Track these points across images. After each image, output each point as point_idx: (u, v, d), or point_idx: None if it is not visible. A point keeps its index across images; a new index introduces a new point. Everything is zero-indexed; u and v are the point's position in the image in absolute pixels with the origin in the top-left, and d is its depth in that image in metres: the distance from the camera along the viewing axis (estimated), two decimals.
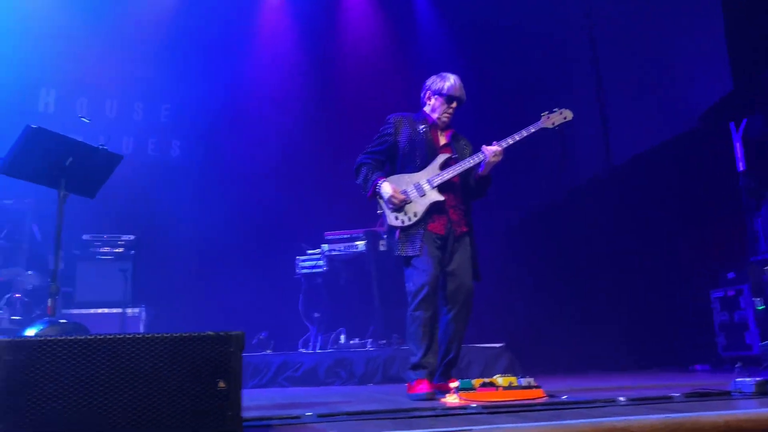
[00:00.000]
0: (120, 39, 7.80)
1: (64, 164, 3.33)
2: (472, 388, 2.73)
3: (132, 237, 6.31)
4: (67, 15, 7.71)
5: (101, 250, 6.29)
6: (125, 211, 6.71)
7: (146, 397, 1.56)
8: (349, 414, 2.05)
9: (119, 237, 6.30)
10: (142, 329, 5.91)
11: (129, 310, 5.95)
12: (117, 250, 6.28)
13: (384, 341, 5.70)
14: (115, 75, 7.79)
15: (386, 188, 3.27)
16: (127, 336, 1.57)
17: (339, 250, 6.11)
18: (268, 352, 5.80)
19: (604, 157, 7.68)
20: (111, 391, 1.54)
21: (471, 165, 3.31)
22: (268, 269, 6.83)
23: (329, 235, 6.19)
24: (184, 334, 1.61)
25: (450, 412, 2.16)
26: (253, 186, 7.40)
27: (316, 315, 6.11)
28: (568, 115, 3.42)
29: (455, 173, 3.30)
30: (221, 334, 1.65)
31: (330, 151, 7.48)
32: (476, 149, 3.38)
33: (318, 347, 5.80)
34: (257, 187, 7.38)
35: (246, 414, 1.69)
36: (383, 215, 3.34)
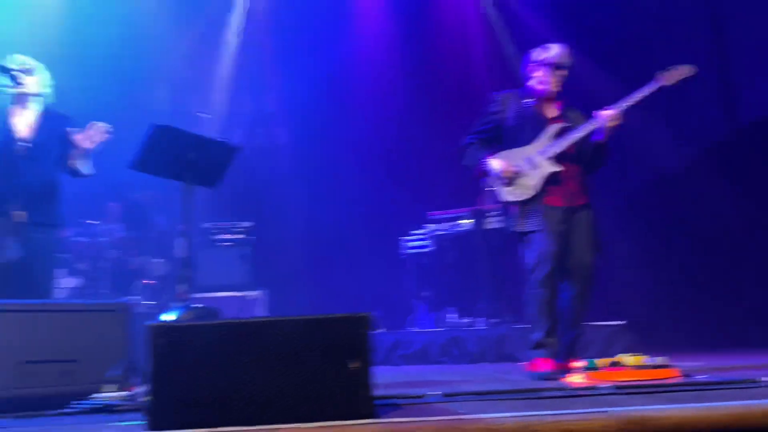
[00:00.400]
0: (224, 34, 8.17)
1: (187, 158, 3.52)
2: (598, 368, 2.64)
3: (249, 223, 6.63)
4: (174, 16, 8.16)
5: (221, 237, 6.65)
6: (241, 199, 7.04)
7: (285, 378, 1.63)
8: (476, 393, 2.04)
9: (237, 224, 6.64)
10: (262, 312, 6.21)
11: (250, 294, 6.26)
12: (236, 236, 6.62)
13: (496, 320, 5.64)
14: (224, 70, 8.16)
15: (496, 164, 3.22)
16: (268, 319, 1.64)
17: (445, 230, 6.11)
18: (382, 330, 5.91)
19: (726, 122, 7.10)
20: (254, 372, 1.62)
21: (586, 132, 3.18)
22: (376, 250, 6.95)
23: (434, 215, 6.19)
24: (317, 316, 1.66)
25: (581, 393, 2.10)
26: (359, 168, 7.52)
27: (425, 294, 6.15)
28: (688, 71, 3.20)
29: (570, 142, 3.18)
30: (351, 315, 1.68)
31: (432, 132, 7.43)
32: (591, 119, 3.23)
33: (428, 326, 5.85)
34: (362, 169, 7.49)
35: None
36: (489, 193, 3.30)
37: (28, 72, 3.66)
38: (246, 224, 6.81)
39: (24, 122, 3.68)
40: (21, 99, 3.67)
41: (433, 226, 6.12)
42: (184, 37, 8.05)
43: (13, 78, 3.52)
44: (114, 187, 7.08)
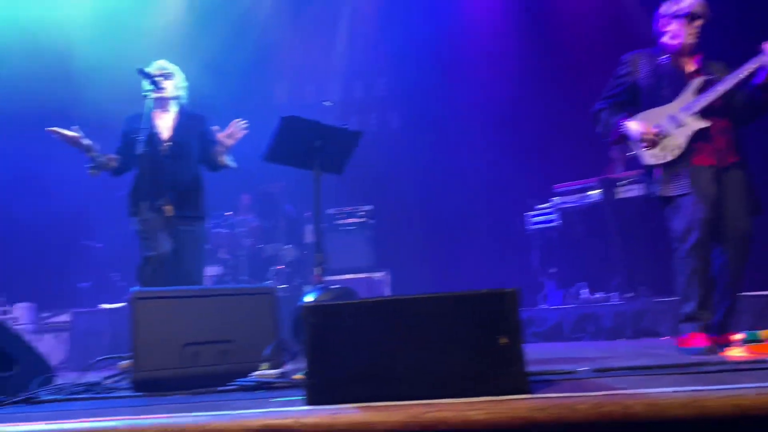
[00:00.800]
0: (334, 24, 8.34)
1: (314, 146, 3.65)
2: (761, 340, 2.42)
3: (370, 207, 6.79)
4: (286, 9, 8.45)
5: (345, 221, 6.87)
6: (360, 184, 7.19)
7: (435, 354, 1.64)
8: (630, 369, 1.95)
9: (359, 208, 6.82)
10: (388, 292, 6.35)
11: (376, 275, 6.42)
12: (358, 221, 6.81)
13: (631, 294, 5.36)
14: (335, 59, 8.34)
15: (635, 126, 3.03)
16: (417, 296, 1.66)
17: (571, 202, 5.88)
18: None
19: None
20: (404, 348, 1.65)
21: (742, 77, 2.89)
22: (500, 227, 6.85)
23: (559, 188, 5.97)
24: (464, 292, 1.65)
25: (745, 367, 1.94)
26: (476, 144, 7.41)
27: (553, 270, 5.98)
28: None
29: (718, 95, 2.91)
30: (496, 291, 1.66)
31: (552, 101, 7.14)
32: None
33: (559, 303, 5.69)
34: (480, 144, 7.37)
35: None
36: (619, 160, 3.11)
37: (167, 76, 3.95)
38: (367, 208, 6.97)
39: (165, 123, 3.98)
40: (161, 102, 3.97)
41: (558, 199, 5.91)
42: (298, 28, 8.32)
43: (155, 83, 3.79)
44: (245, 179, 7.51)
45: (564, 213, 5.88)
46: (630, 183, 5.39)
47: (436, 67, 7.81)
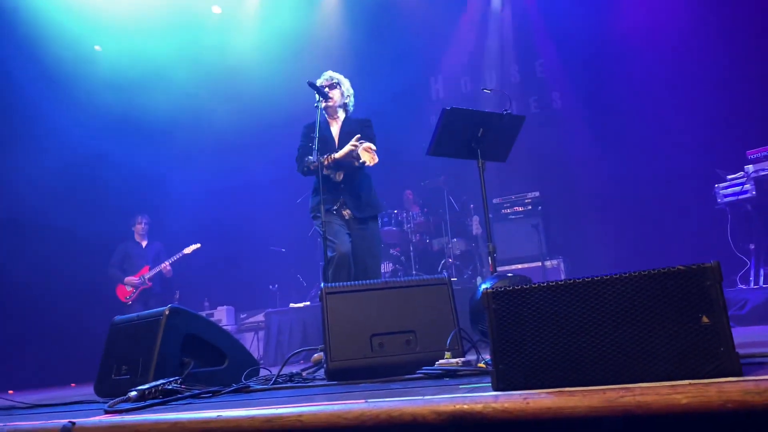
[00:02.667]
0: (479, 14, 8.24)
1: (477, 135, 3.65)
2: None
3: (537, 193, 6.60)
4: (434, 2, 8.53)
5: (511, 210, 6.75)
6: (525, 171, 7.04)
7: (627, 337, 1.56)
8: None
9: (525, 195, 6.67)
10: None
11: (548, 263, 6.23)
12: (525, 209, 6.66)
13: None
14: (488, 48, 8.25)
15: None
16: (603, 277, 1.59)
17: None
18: None
19: None
20: (595, 330, 1.59)
21: None
22: (686, 201, 6.29)
23: (753, 154, 5.34)
24: (658, 270, 1.55)
25: None
26: (649, 116, 6.89)
27: (752, 246, 5.37)
28: None
29: None
30: (694, 267, 1.54)
31: (734, 61, 6.42)
32: None
33: (761, 281, 5.09)
34: (654, 116, 6.85)
35: None
36: None
37: (332, 86, 4.18)
38: (533, 194, 6.79)
39: (335, 131, 4.22)
40: (330, 110, 4.21)
41: (752, 167, 5.29)
42: (448, 20, 8.36)
43: (323, 93, 4.04)
44: (406, 175, 7.73)
45: (759, 182, 5.25)
46: None
47: (596, 39, 7.41)
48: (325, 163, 3.92)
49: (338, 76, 4.24)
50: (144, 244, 7.35)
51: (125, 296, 7.05)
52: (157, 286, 7.16)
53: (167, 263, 7.11)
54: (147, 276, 7.07)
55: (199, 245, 7.23)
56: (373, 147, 3.82)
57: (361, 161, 3.79)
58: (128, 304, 6.97)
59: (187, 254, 7.19)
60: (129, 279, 7.03)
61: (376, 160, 3.79)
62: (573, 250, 6.70)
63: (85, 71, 7.62)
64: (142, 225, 7.34)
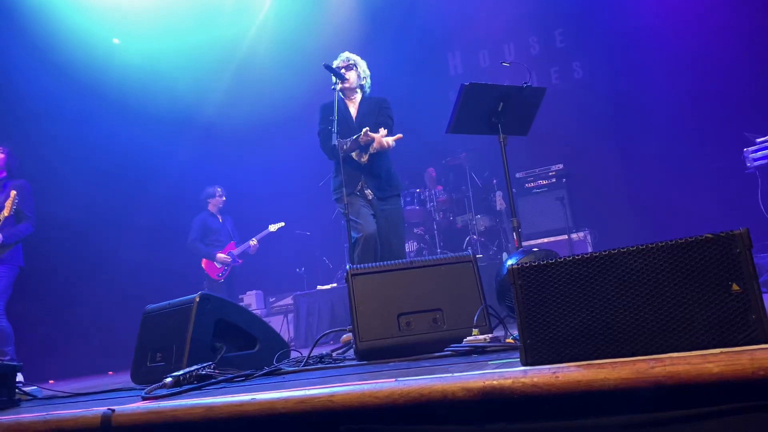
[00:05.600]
0: None
1: (497, 110, 3.61)
2: None
3: (560, 166, 6.52)
4: None
5: (535, 183, 6.68)
6: (548, 143, 6.95)
7: (656, 308, 1.55)
8: None
9: (549, 168, 6.60)
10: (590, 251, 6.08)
11: (574, 236, 6.18)
12: (549, 182, 6.58)
13: None
14: (505, 20, 8.11)
15: None
16: (630, 248, 1.58)
17: None
18: None
19: None
20: (623, 303, 1.58)
21: None
22: (713, 168, 6.16)
23: None
24: (685, 239, 1.53)
25: None
26: (674, 81, 6.72)
27: None
28: None
29: None
30: (722, 235, 1.51)
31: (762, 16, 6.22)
32: None
33: None
34: (679, 80, 6.68)
35: None
36: None
37: (348, 68, 4.17)
38: (557, 167, 6.72)
39: (353, 111, 4.21)
40: (347, 92, 4.21)
41: None
42: None
43: (339, 75, 4.03)
44: (427, 153, 7.69)
45: None
46: None
47: (616, 4, 7.22)
48: (344, 148, 3.94)
49: (355, 57, 4.23)
50: (220, 218, 7.10)
51: (216, 273, 6.84)
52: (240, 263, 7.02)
53: (255, 240, 6.91)
54: (236, 253, 6.90)
55: (283, 223, 7.02)
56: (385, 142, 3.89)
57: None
58: (219, 281, 6.81)
59: (272, 232, 6.99)
60: (220, 256, 6.80)
61: (392, 143, 3.90)
62: (599, 221, 6.63)
63: (104, 64, 7.69)
64: (223, 198, 7.04)
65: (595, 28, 7.48)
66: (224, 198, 7.02)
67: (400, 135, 3.93)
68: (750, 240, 1.51)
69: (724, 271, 1.51)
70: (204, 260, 6.87)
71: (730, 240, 1.51)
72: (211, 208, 7.03)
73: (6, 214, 4.74)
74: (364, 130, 3.86)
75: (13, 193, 4.74)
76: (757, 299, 1.49)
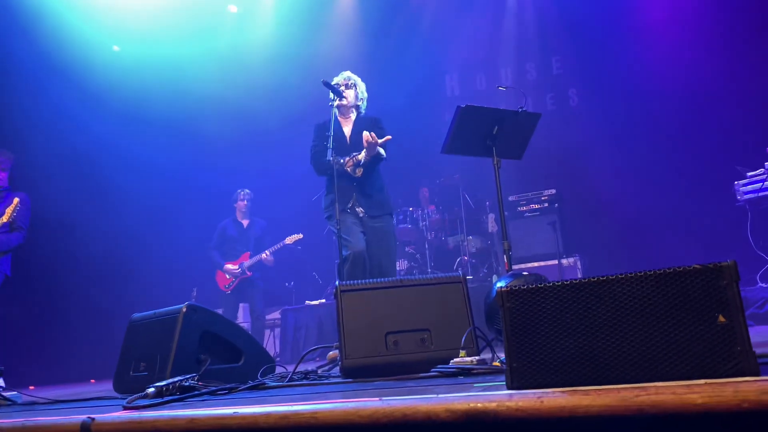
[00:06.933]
0: (495, 12, 8.20)
1: (492, 133, 3.64)
2: None
3: (553, 191, 6.56)
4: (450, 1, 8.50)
5: (527, 207, 6.71)
6: (541, 168, 7.00)
7: (643, 337, 1.55)
8: None
9: (541, 193, 6.63)
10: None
11: (565, 261, 6.19)
12: (541, 206, 6.61)
13: None
14: (503, 45, 8.20)
15: None
16: (619, 276, 1.58)
17: None
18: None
19: None
20: (610, 330, 1.58)
21: None
22: (706, 199, 6.22)
23: None
24: (674, 269, 1.54)
25: None
26: (668, 113, 6.81)
27: None
28: None
29: None
30: (710, 266, 1.52)
31: (754, 58, 6.32)
32: None
33: None
34: (673, 113, 6.76)
35: None
36: None
37: (348, 86, 4.20)
38: (550, 192, 6.75)
39: (348, 130, 4.23)
40: (343, 110, 4.23)
41: None
42: (464, 18, 8.33)
43: (337, 92, 4.06)
44: (423, 173, 7.72)
45: None
46: None
47: (613, 35, 7.34)
48: (349, 165, 3.96)
49: (356, 78, 4.27)
50: (245, 223, 6.83)
51: (224, 284, 6.58)
52: (258, 275, 6.71)
53: (268, 252, 6.60)
54: (247, 265, 6.58)
55: (301, 235, 6.72)
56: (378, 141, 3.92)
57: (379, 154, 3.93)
58: (227, 293, 6.56)
59: (288, 244, 6.69)
60: (228, 267, 6.55)
61: (383, 152, 3.97)
62: (590, 247, 6.65)
63: (104, 71, 7.70)
64: (245, 202, 6.79)
65: (591, 57, 7.58)
66: (246, 202, 6.80)
67: (389, 137, 3.94)
68: (737, 272, 1.52)
69: (711, 303, 1.52)
70: (217, 270, 6.70)
71: (718, 271, 1.52)
72: (237, 213, 6.87)
73: (4, 221, 4.72)
74: (366, 134, 3.86)
75: (16, 200, 4.74)
76: (743, 331, 1.49)
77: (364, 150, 3.90)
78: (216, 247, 6.72)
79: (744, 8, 6.58)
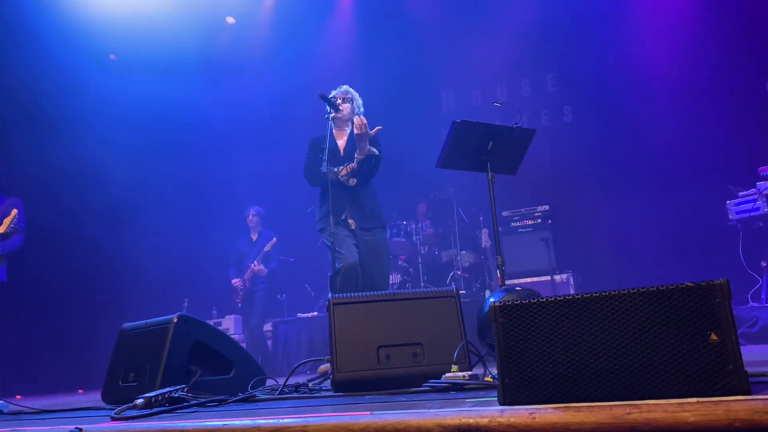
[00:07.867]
0: (491, 29, 8.26)
1: (487, 148, 3.65)
2: None
3: (547, 207, 6.58)
4: (447, 16, 8.56)
5: (521, 223, 6.73)
6: (535, 184, 7.02)
7: (635, 354, 1.55)
8: None
9: (535, 209, 6.65)
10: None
11: (557, 277, 6.20)
12: (535, 222, 6.63)
13: None
14: (499, 61, 8.25)
15: None
16: (612, 292, 1.59)
17: None
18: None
19: None
20: (602, 346, 1.58)
21: None
22: (696, 219, 6.25)
23: (765, 170, 5.31)
24: (666, 286, 1.54)
25: None
26: (661, 131, 6.85)
27: (764, 264, 5.33)
28: None
29: None
30: (702, 284, 1.53)
31: (746, 78, 6.39)
32: None
33: None
34: (666, 131, 6.81)
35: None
36: None
37: (346, 100, 4.22)
38: (543, 208, 6.77)
39: (342, 143, 4.24)
40: (339, 123, 4.24)
41: (765, 184, 5.26)
42: (461, 34, 8.38)
43: (334, 105, 4.07)
44: (419, 188, 7.74)
45: None
46: None
47: (608, 54, 7.40)
48: (343, 173, 3.98)
49: (353, 93, 4.30)
50: (255, 237, 7.18)
51: (235, 298, 7.08)
52: (260, 285, 7.01)
53: (256, 262, 6.92)
54: (246, 277, 6.98)
55: (274, 239, 7.01)
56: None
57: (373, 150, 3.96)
58: (239, 306, 7.05)
59: (267, 251, 6.97)
60: (234, 281, 7.06)
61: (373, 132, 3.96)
62: (583, 264, 6.66)
63: (100, 80, 7.70)
64: (253, 217, 7.15)
65: (586, 74, 7.65)
66: (255, 217, 7.14)
67: (379, 127, 3.96)
68: (729, 291, 1.53)
69: (703, 320, 1.52)
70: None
71: (710, 289, 1.52)
72: (251, 230, 7.24)
73: (1, 231, 4.71)
74: (357, 119, 3.87)
75: (14, 211, 4.72)
76: (735, 350, 1.49)
77: (357, 150, 3.91)
78: (233, 264, 7.16)
79: (739, 33, 6.67)
